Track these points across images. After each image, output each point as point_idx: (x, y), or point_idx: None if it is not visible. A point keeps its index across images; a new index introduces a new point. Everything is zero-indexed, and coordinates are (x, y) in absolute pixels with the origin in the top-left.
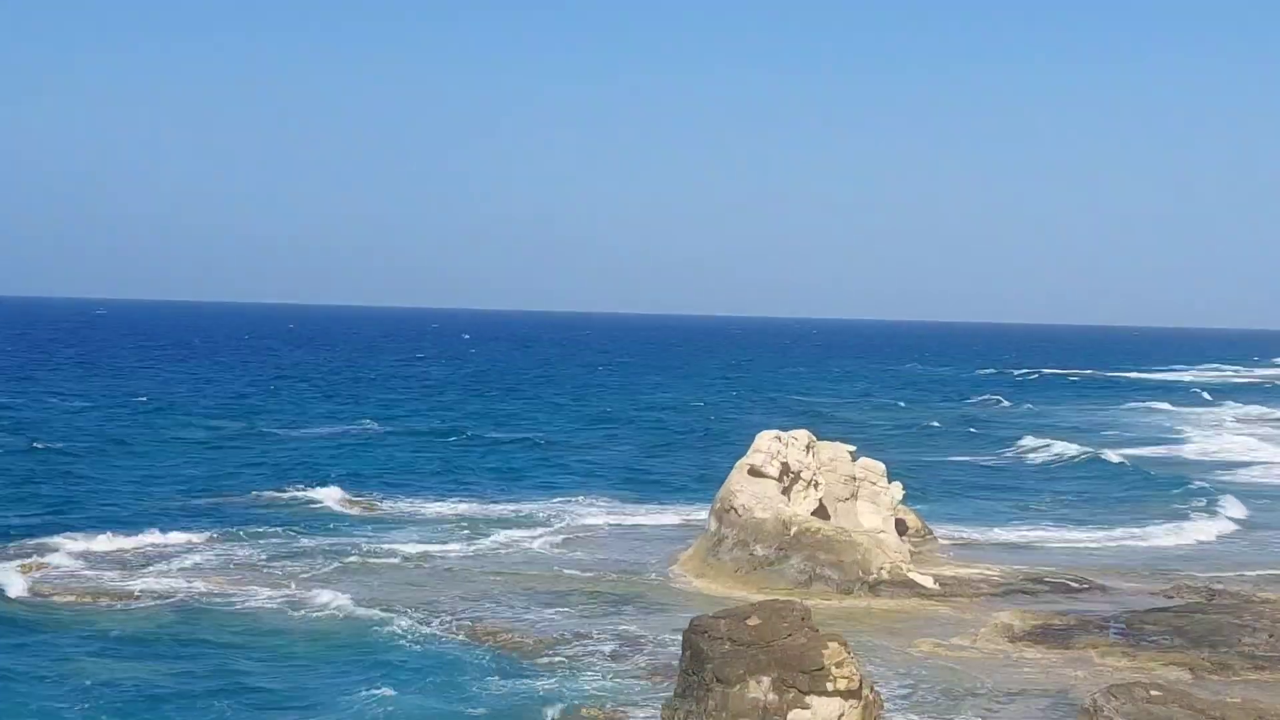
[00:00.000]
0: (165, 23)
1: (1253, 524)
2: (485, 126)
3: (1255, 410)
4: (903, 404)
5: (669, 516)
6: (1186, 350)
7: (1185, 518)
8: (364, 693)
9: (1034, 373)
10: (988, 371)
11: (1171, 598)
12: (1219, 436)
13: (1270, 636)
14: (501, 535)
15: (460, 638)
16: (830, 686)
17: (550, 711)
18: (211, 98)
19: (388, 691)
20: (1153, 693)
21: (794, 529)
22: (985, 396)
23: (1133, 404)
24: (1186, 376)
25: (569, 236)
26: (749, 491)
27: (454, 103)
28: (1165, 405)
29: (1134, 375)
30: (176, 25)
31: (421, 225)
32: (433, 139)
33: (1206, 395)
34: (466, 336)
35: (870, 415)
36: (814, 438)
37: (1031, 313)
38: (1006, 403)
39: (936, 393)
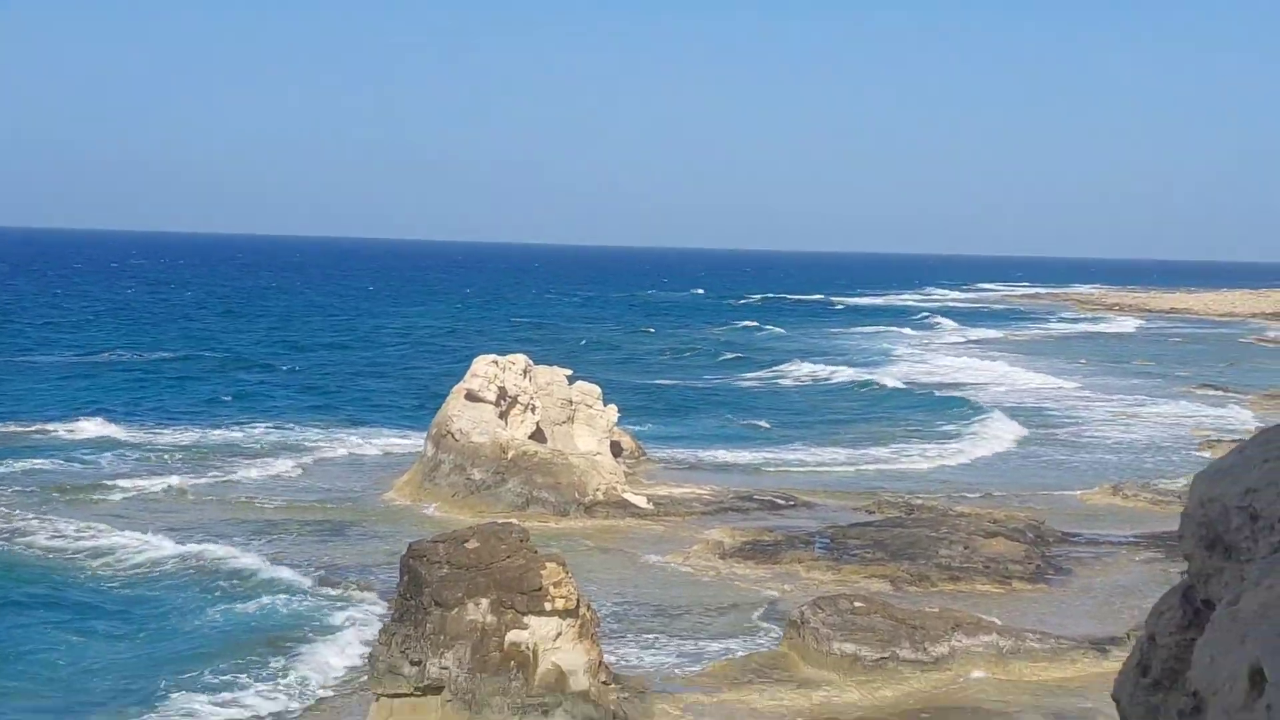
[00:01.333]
0: None
1: (979, 443)
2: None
3: (975, 332)
4: (652, 330)
5: (388, 442)
6: (904, 274)
7: (907, 439)
8: (51, 633)
9: (761, 298)
10: (719, 297)
11: (873, 513)
12: (946, 357)
13: (965, 549)
14: (221, 463)
15: (168, 572)
16: (548, 606)
17: (257, 639)
18: None
19: (74, 633)
20: (856, 604)
21: (511, 452)
22: (740, 322)
23: (864, 328)
24: (909, 300)
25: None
26: (466, 416)
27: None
28: (894, 329)
29: (861, 301)
30: None
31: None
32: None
33: (938, 319)
34: (182, 262)
35: (620, 339)
36: (531, 362)
37: (738, 239)
38: (746, 324)
39: (680, 317)
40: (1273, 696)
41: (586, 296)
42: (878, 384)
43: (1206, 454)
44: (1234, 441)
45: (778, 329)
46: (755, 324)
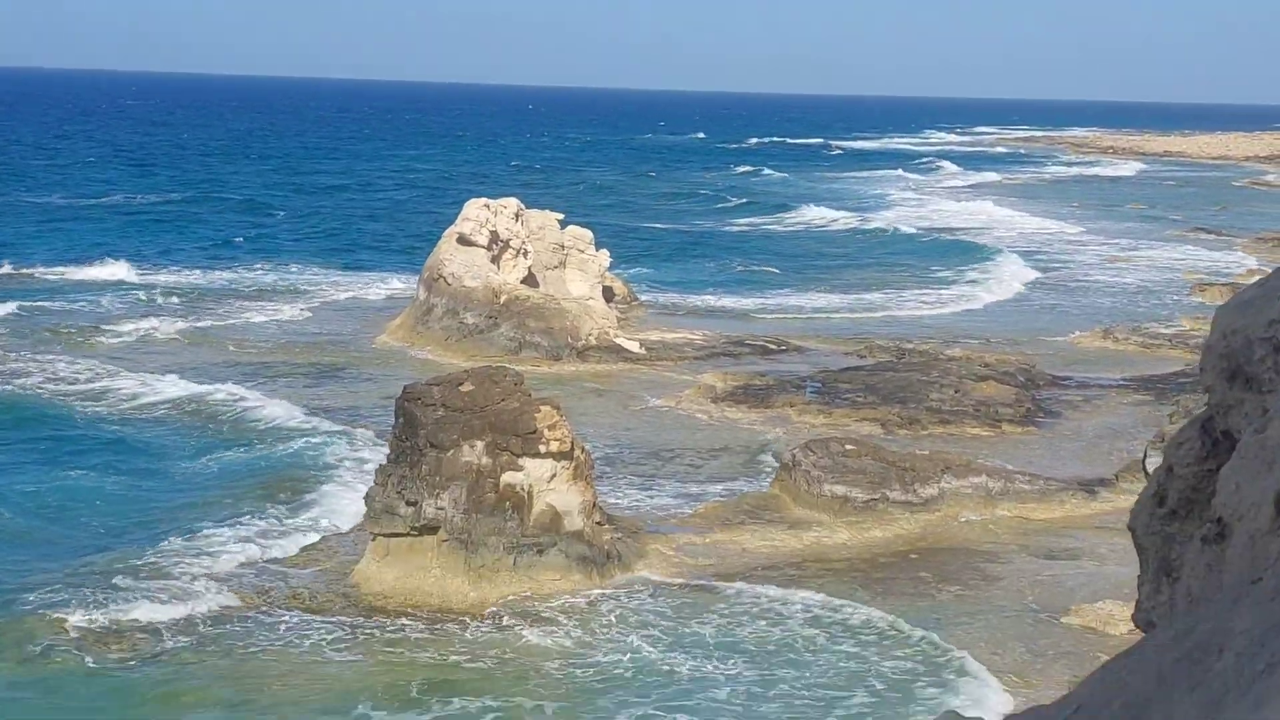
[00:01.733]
0: None
1: (980, 287)
2: None
3: (975, 176)
4: (653, 174)
5: (390, 286)
6: (901, 118)
7: (906, 284)
8: (48, 473)
9: (759, 142)
10: (719, 141)
11: (864, 357)
12: (946, 201)
13: (956, 392)
14: (222, 306)
15: (167, 413)
16: (543, 449)
17: (254, 480)
18: None
19: (71, 472)
20: (847, 446)
21: (504, 297)
22: (739, 166)
23: (863, 172)
24: (907, 144)
25: None
26: (458, 260)
27: None
28: (894, 172)
29: (859, 145)
30: None
31: None
32: None
33: (940, 163)
34: (175, 104)
35: (621, 183)
36: (522, 205)
37: (734, 82)
38: (745, 169)
39: (679, 161)
40: None
41: (585, 140)
42: (879, 229)
43: (1198, 298)
44: (1226, 285)
45: (777, 173)
46: (754, 168)
